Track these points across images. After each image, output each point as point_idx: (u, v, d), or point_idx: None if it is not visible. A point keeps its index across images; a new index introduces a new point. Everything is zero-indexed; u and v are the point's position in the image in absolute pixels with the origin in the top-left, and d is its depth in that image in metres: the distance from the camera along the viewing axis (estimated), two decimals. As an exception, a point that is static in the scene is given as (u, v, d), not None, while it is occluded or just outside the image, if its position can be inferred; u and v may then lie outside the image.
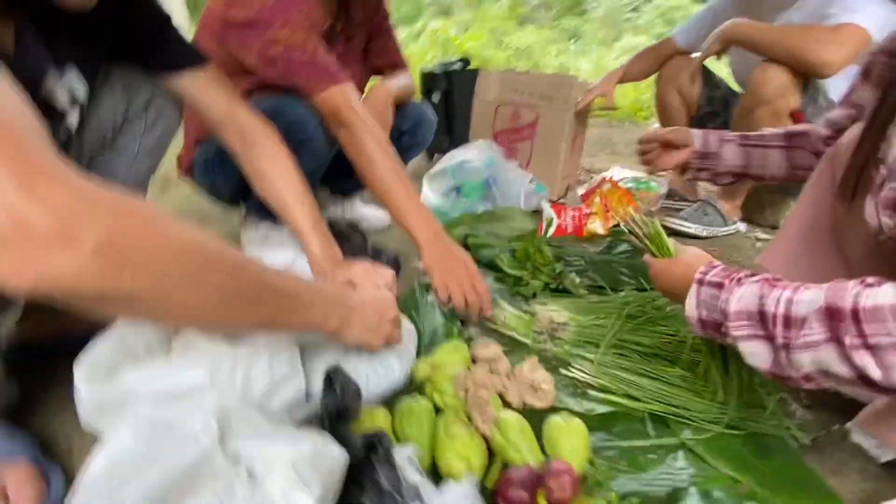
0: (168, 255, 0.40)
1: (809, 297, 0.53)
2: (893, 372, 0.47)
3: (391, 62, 1.31)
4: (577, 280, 1.13)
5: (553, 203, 1.63)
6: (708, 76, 1.64)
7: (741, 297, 0.59)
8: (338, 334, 0.62)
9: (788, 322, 0.54)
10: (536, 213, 1.60)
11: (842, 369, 0.50)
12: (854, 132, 0.77)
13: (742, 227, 1.65)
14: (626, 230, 0.85)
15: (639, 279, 1.17)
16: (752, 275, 0.62)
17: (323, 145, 1.07)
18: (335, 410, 0.58)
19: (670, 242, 0.79)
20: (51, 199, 0.34)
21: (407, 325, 0.84)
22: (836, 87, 1.33)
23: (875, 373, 0.48)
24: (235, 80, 1.07)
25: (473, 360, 0.83)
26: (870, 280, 0.51)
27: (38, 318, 0.83)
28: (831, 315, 0.50)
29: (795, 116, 1.32)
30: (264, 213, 1.23)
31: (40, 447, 0.64)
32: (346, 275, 0.84)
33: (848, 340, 0.49)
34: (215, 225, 1.61)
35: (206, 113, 0.83)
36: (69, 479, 0.62)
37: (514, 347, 0.90)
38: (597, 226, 1.43)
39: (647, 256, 0.81)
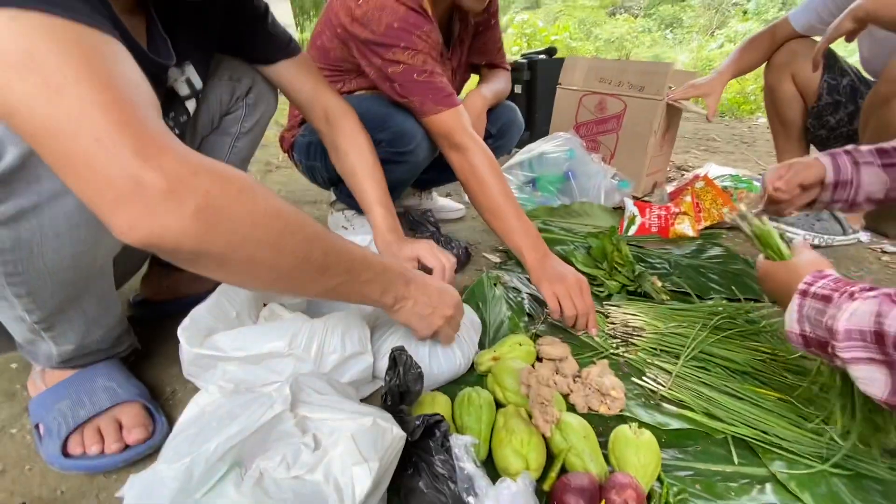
0: (254, 221, 0.44)
1: None
2: None
3: (492, 60, 1.30)
4: (659, 284, 1.04)
5: (637, 200, 1.53)
6: (832, 60, 1.43)
7: (853, 314, 0.52)
8: (392, 309, 0.65)
9: None
10: (618, 210, 1.50)
11: None
12: None
13: (864, 236, 1.42)
14: (736, 224, 0.78)
15: (731, 288, 1.06)
16: (871, 289, 0.53)
17: (424, 159, 1.10)
18: (397, 390, 0.58)
19: (782, 244, 0.71)
20: (162, 164, 0.38)
21: (472, 315, 0.83)
22: None
23: None
24: (350, 77, 1.13)
25: (539, 358, 0.80)
26: None
27: (157, 281, 0.94)
28: None
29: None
30: (351, 200, 1.29)
31: (150, 392, 0.72)
32: (410, 248, 0.87)
33: None
34: (306, 209, 1.72)
35: (295, 95, 0.89)
36: (171, 421, 0.69)
37: (583, 348, 0.86)
38: (685, 227, 1.31)
39: (759, 257, 0.74)
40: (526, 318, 0.92)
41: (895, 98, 1.13)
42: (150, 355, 0.84)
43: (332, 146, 0.94)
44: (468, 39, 1.22)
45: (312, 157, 1.18)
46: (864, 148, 0.83)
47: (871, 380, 0.51)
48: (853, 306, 0.52)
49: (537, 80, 2.27)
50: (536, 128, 2.32)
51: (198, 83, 0.77)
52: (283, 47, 0.85)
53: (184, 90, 0.75)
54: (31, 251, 0.52)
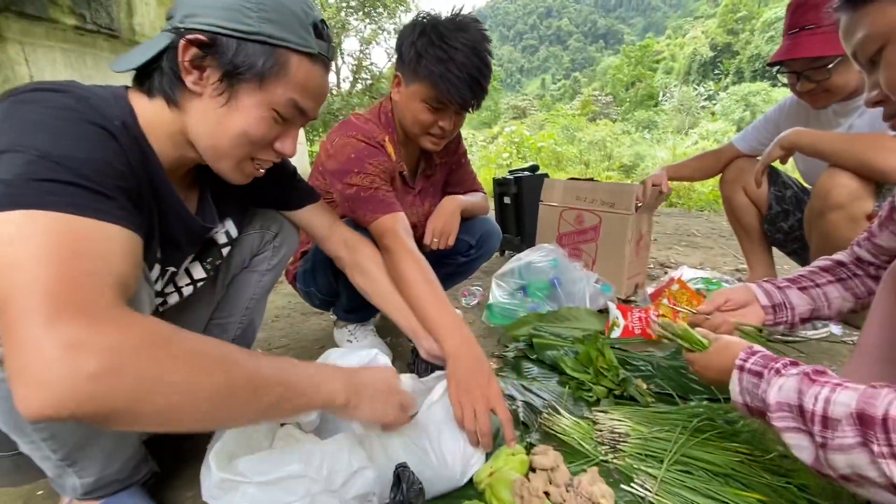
0: (161, 369, 0.45)
1: (845, 399, 0.54)
2: None
3: (468, 189, 1.53)
4: (644, 387, 1.12)
5: (620, 303, 1.65)
6: (775, 176, 1.65)
7: (781, 388, 0.61)
8: (347, 409, 0.69)
9: (826, 422, 0.55)
10: (603, 312, 1.62)
11: (873, 474, 0.51)
12: None
13: (836, 329, 1.52)
14: (660, 336, 0.89)
15: (711, 388, 1.13)
16: (793, 363, 0.64)
17: None
18: (401, 507, 0.65)
19: (701, 336, 0.83)
20: (67, 326, 0.41)
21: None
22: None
23: None
24: (333, 207, 1.34)
25: (532, 468, 0.86)
26: None
27: None
28: (862, 420, 0.52)
29: (872, 218, 1.27)
30: (349, 316, 1.44)
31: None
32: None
33: (876, 448, 0.50)
34: (313, 319, 1.84)
35: (316, 231, 1.07)
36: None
37: (574, 455, 0.92)
38: (665, 328, 1.42)
39: (685, 354, 0.84)
40: (521, 429, 0.99)
41: (828, 212, 1.31)
42: (167, 477, 0.90)
43: (354, 268, 1.07)
44: (439, 173, 1.44)
45: (308, 283, 1.36)
46: (776, 279, 0.99)
47: (799, 447, 0.59)
48: (780, 382, 0.62)
49: (523, 193, 2.54)
50: (526, 233, 2.53)
51: (234, 233, 0.94)
52: (306, 196, 1.04)
53: (221, 240, 0.92)
54: None
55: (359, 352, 1.03)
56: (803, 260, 1.65)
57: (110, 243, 0.50)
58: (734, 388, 0.70)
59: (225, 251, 0.93)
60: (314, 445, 0.75)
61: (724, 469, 0.85)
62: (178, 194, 0.73)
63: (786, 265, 1.98)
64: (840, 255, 0.97)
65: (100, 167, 0.53)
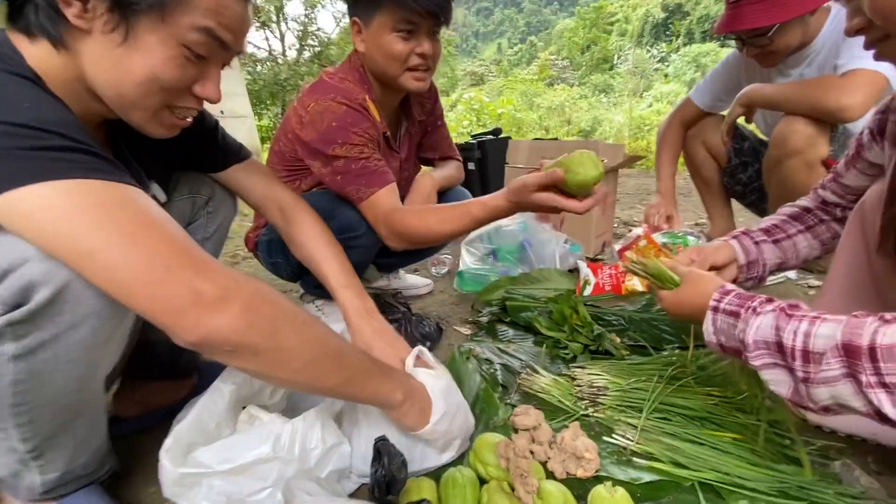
0: (281, 316, 0.57)
1: (827, 332, 0.54)
2: None
3: (443, 155, 1.44)
4: (618, 340, 1.13)
5: (590, 262, 1.66)
6: (734, 129, 1.67)
7: (759, 328, 0.61)
8: (400, 410, 0.70)
9: (807, 356, 0.55)
10: (574, 272, 1.62)
11: (858, 404, 0.52)
12: (877, 188, 0.78)
13: (792, 274, 1.59)
14: (630, 271, 0.86)
15: (681, 337, 1.16)
16: (768, 300, 0.63)
17: (374, 242, 1.16)
18: (384, 481, 0.62)
19: (674, 275, 0.80)
20: (212, 278, 0.52)
21: (470, 418, 0.84)
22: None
23: (890, 411, 0.49)
24: (305, 176, 1.23)
25: (514, 429, 0.85)
26: (888, 316, 0.52)
27: (129, 395, 0.94)
28: (848, 352, 0.52)
29: (829, 164, 1.32)
30: (319, 290, 1.35)
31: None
32: (382, 328, 0.90)
33: (864, 378, 0.50)
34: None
35: (249, 196, 0.96)
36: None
37: (555, 412, 0.91)
38: (635, 283, 1.43)
39: (656, 291, 0.82)
40: (500, 389, 0.98)
41: (785, 159, 1.34)
42: (126, 474, 0.83)
43: (289, 239, 0.98)
44: (417, 136, 1.36)
45: (275, 254, 1.24)
46: (753, 228, 0.98)
47: (777, 382, 0.60)
48: (757, 321, 0.61)
49: (488, 157, 2.49)
50: (492, 199, 2.50)
51: (162, 197, 0.83)
52: (233, 154, 0.93)
53: None
54: (41, 380, 0.55)
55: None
56: (761, 210, 1.70)
57: (153, 205, 0.54)
58: (708, 328, 0.69)
59: None
60: (283, 424, 0.70)
61: (700, 413, 0.87)
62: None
63: (743, 217, 2.05)
64: (805, 201, 0.97)
65: (73, 125, 0.52)
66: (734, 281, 0.96)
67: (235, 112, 7.35)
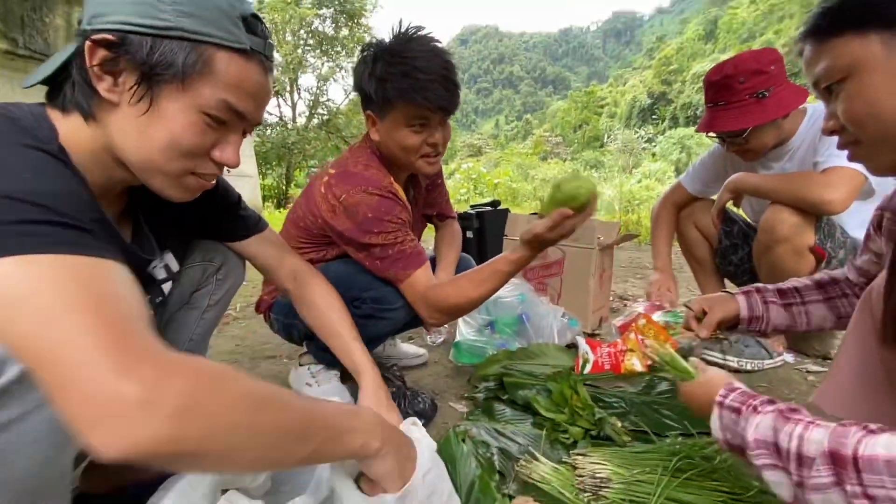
0: (228, 409, 0.47)
1: (818, 438, 0.55)
2: None
3: (441, 211, 1.52)
4: (619, 425, 1.09)
5: (588, 337, 1.64)
6: (723, 212, 1.74)
7: (758, 427, 0.62)
8: (375, 459, 0.65)
9: (801, 461, 0.56)
10: (571, 347, 1.60)
11: None
12: (881, 278, 0.80)
13: (790, 358, 1.58)
14: (649, 356, 0.88)
15: (684, 423, 1.12)
16: (770, 401, 0.64)
17: (405, 316, 1.20)
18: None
19: (689, 364, 0.81)
20: (139, 376, 0.42)
21: (447, 486, 0.81)
22: (851, 221, 1.39)
23: None
24: (326, 248, 1.26)
25: (514, 523, 0.79)
26: (872, 427, 0.53)
27: (102, 471, 0.88)
28: (834, 460, 0.53)
29: (817, 251, 1.36)
30: (323, 355, 1.32)
31: None
32: (390, 405, 0.92)
33: (849, 488, 0.51)
34: (263, 364, 1.70)
35: (263, 262, 0.98)
36: None
37: (555, 505, 0.86)
38: (634, 363, 1.41)
39: (678, 382, 0.83)
40: (497, 477, 0.93)
41: (774, 245, 1.38)
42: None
43: (302, 301, 1.00)
44: (421, 198, 1.42)
45: (294, 315, 1.23)
46: (770, 287, 1.01)
47: (778, 484, 0.59)
48: (757, 420, 0.62)
49: (486, 228, 2.55)
50: (489, 269, 2.53)
51: (175, 267, 0.85)
52: (253, 226, 0.96)
53: (161, 275, 0.82)
54: (2, 461, 0.51)
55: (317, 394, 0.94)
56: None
57: (119, 281, 0.49)
58: (715, 424, 0.70)
59: (166, 287, 0.83)
60: (261, 509, 0.65)
61: (708, 511, 0.82)
62: (110, 220, 0.64)
63: (736, 296, 2.07)
64: (836, 273, 0.99)
65: (67, 198, 0.50)
66: (738, 321, 0.99)
67: (241, 172, 7.60)
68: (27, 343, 0.43)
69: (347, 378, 1.45)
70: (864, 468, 0.50)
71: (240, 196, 0.95)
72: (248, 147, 8.14)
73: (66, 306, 0.43)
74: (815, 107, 1.49)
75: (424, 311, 1.14)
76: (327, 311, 1.00)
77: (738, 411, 0.66)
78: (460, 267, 1.44)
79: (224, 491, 0.75)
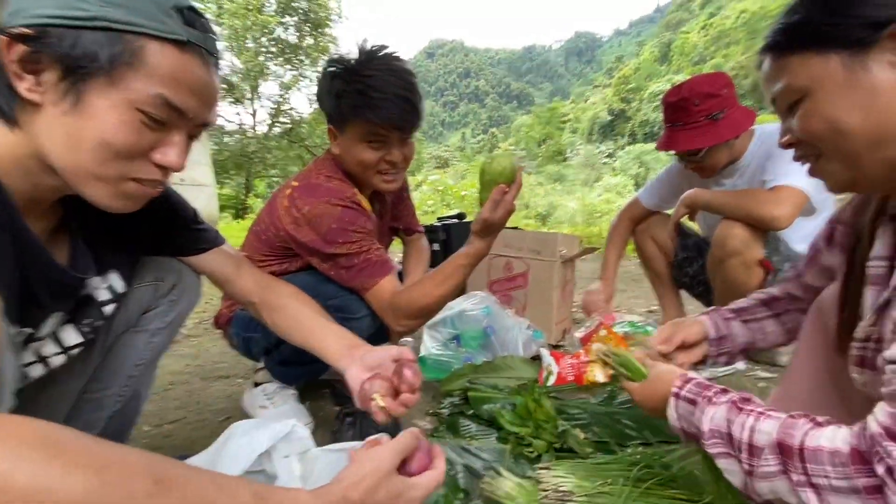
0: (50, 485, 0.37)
1: (767, 429, 0.58)
2: None
3: (408, 225, 1.52)
4: (582, 437, 1.11)
5: (552, 349, 1.66)
6: (679, 227, 1.82)
7: (713, 417, 0.64)
8: None
9: (751, 450, 0.59)
10: (535, 359, 1.62)
11: (793, 500, 0.55)
12: (832, 289, 0.85)
13: (741, 365, 1.66)
14: (601, 361, 0.89)
15: (643, 433, 1.15)
16: (724, 391, 0.67)
17: (368, 325, 1.18)
18: None
19: (641, 364, 0.83)
20: None
21: None
22: (794, 236, 1.48)
23: None
24: (290, 260, 1.22)
25: (478, 543, 0.78)
26: (820, 419, 0.56)
27: None
28: (782, 450, 0.56)
29: (764, 265, 1.44)
30: (282, 371, 1.28)
31: None
32: (370, 356, 0.85)
33: (795, 477, 0.54)
34: (217, 385, 1.62)
35: (220, 276, 0.93)
36: None
37: (520, 522, 0.85)
38: (596, 374, 1.43)
39: (625, 383, 0.84)
40: (461, 496, 0.91)
41: (726, 259, 1.45)
42: None
43: (270, 307, 0.94)
44: (388, 211, 1.42)
45: (252, 328, 1.19)
46: (723, 308, 1.02)
47: (730, 472, 0.62)
48: (712, 410, 0.65)
49: (452, 240, 2.55)
50: (455, 281, 2.53)
51: (120, 288, 0.79)
52: (211, 239, 0.91)
53: (104, 296, 0.76)
54: None
55: (272, 424, 0.89)
56: (708, 302, 1.80)
57: None
58: (671, 414, 0.72)
59: (108, 310, 0.77)
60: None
61: (668, 520, 0.84)
62: (36, 236, 0.59)
63: (692, 305, 2.15)
64: (774, 290, 1.01)
65: None
66: (705, 358, 0.99)
67: (196, 180, 7.30)
68: None
69: (307, 398, 1.41)
70: (809, 459, 0.53)
71: (195, 210, 0.91)
72: (203, 154, 7.78)
73: None
74: (762, 128, 1.59)
75: (391, 318, 1.12)
76: (301, 308, 0.94)
77: (693, 402, 0.68)
78: None
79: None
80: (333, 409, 1.33)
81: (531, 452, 1.06)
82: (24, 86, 0.53)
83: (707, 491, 0.89)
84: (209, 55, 0.61)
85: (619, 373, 0.86)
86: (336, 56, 1.15)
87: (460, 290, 1.49)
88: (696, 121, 1.47)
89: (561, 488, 0.91)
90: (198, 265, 0.91)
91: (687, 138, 1.50)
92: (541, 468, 0.99)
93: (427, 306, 1.11)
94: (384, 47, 1.13)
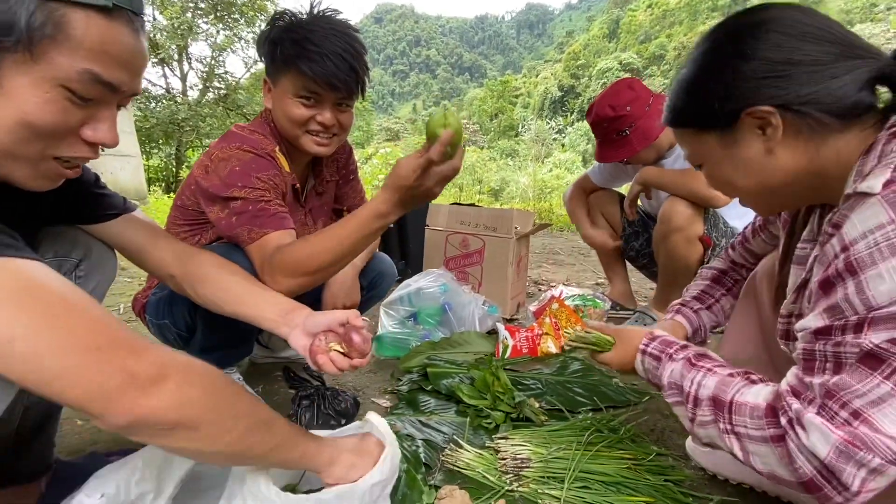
0: (214, 392, 0.55)
1: (709, 384, 0.68)
2: (749, 456, 0.61)
3: (353, 206, 1.41)
4: (537, 406, 1.16)
5: (507, 323, 1.71)
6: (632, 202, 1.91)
7: (672, 372, 0.75)
8: (327, 471, 0.68)
9: (696, 402, 0.69)
10: (492, 333, 1.66)
11: (721, 444, 0.65)
12: (767, 261, 0.93)
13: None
14: (572, 347, 0.93)
15: (593, 399, 1.22)
16: (683, 347, 0.77)
17: None
18: None
19: (606, 337, 0.90)
20: (145, 357, 0.50)
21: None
22: (730, 212, 1.59)
23: (738, 454, 0.62)
24: (206, 230, 1.15)
25: (440, 513, 0.80)
26: (754, 377, 0.66)
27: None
28: (716, 403, 0.65)
29: (705, 241, 1.55)
30: (206, 358, 1.20)
31: None
32: (312, 321, 0.82)
33: (721, 426, 0.64)
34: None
35: (134, 248, 0.85)
36: None
37: (479, 489, 0.89)
38: (549, 345, 1.50)
39: (596, 356, 0.91)
40: (423, 469, 0.93)
41: (670, 234, 1.54)
42: None
43: (192, 279, 0.87)
44: (330, 190, 1.34)
45: (162, 314, 1.11)
46: (688, 298, 1.07)
47: (682, 417, 0.72)
48: (672, 366, 0.75)
49: (406, 217, 2.52)
50: (411, 258, 2.51)
51: None
52: (118, 205, 0.83)
53: None
54: None
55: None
56: (651, 273, 1.92)
57: (63, 281, 0.50)
58: (639, 367, 0.83)
59: None
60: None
61: (616, 478, 0.90)
62: None
63: (634, 277, 2.28)
64: (719, 263, 1.08)
65: None
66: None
67: (120, 151, 6.67)
68: (11, 347, 0.44)
69: (260, 381, 1.37)
70: (735, 411, 0.62)
71: (97, 175, 0.82)
72: (127, 124, 7.01)
73: (43, 314, 0.46)
74: None
75: (268, 273, 0.94)
76: (228, 277, 0.87)
77: (658, 358, 0.78)
78: (375, 266, 1.39)
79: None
80: (289, 392, 1.31)
81: (489, 424, 1.10)
82: None
83: (650, 451, 0.97)
84: (136, 16, 0.55)
85: (593, 351, 0.91)
86: (283, 9, 1.08)
87: (370, 254, 1.36)
88: (609, 139, 1.67)
89: (518, 456, 0.95)
90: (108, 236, 0.83)
91: (606, 153, 1.70)
92: (499, 438, 1.03)
93: (305, 263, 0.92)
94: (337, 12, 1.07)
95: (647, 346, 0.82)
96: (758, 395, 0.62)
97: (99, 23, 0.51)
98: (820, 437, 0.53)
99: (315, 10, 1.06)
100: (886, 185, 0.51)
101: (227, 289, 0.87)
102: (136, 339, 0.50)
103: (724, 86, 0.63)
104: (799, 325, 0.60)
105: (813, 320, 0.57)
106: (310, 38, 1.00)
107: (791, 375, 0.60)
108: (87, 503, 0.61)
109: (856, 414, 0.52)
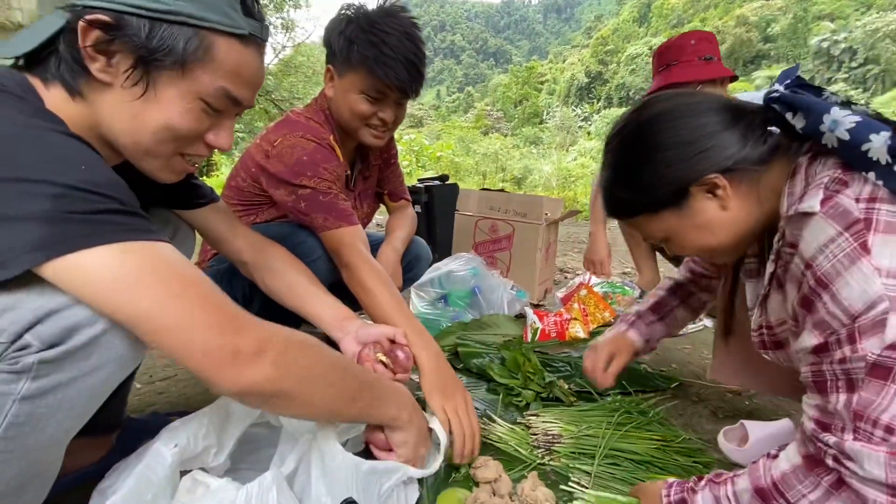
0: (311, 363, 0.62)
1: (744, 486, 0.65)
2: None
3: (393, 190, 1.47)
4: (566, 387, 1.19)
5: (535, 308, 1.74)
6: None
7: (703, 500, 0.69)
8: (401, 429, 0.75)
9: None
10: (519, 317, 1.69)
11: None
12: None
13: (709, 322, 1.78)
14: None
15: (622, 383, 1.24)
16: (699, 479, 0.72)
17: (326, 268, 1.16)
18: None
19: (626, 499, 0.83)
20: (249, 334, 0.55)
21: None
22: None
23: None
24: (263, 209, 1.21)
25: (475, 482, 0.85)
26: (773, 452, 0.65)
27: None
28: (761, 495, 0.63)
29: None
30: None
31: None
32: (364, 332, 0.91)
33: None
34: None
35: (215, 234, 0.95)
36: None
37: (512, 462, 0.93)
38: (578, 330, 1.52)
39: None
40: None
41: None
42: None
43: (263, 268, 0.97)
44: (374, 174, 1.40)
45: (220, 282, 1.18)
46: (643, 310, 1.13)
47: None
48: (698, 497, 0.70)
49: (434, 202, 2.56)
50: (438, 243, 2.55)
51: None
52: (207, 194, 0.92)
53: None
54: (34, 426, 0.50)
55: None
56: (679, 263, 1.90)
57: (185, 261, 0.56)
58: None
59: None
60: (236, 491, 0.65)
61: (645, 456, 0.93)
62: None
63: (664, 266, 2.27)
64: (679, 275, 1.13)
65: (117, 186, 0.52)
66: (636, 354, 1.10)
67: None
68: (149, 322, 0.51)
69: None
70: (783, 488, 0.60)
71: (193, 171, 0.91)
72: None
73: (172, 293, 0.52)
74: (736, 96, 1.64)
75: (345, 260, 1.05)
76: (295, 276, 0.97)
77: (683, 500, 0.72)
78: (412, 249, 1.44)
79: (184, 473, 0.73)
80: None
81: (520, 401, 1.14)
82: (96, 67, 0.56)
83: (678, 434, 0.99)
84: (263, 43, 0.66)
85: None
86: (354, 3, 1.11)
87: (409, 237, 1.43)
88: (689, 59, 1.57)
89: (550, 432, 0.99)
90: (194, 220, 0.92)
91: (681, 72, 1.56)
92: (530, 415, 1.07)
93: (359, 295, 1.03)
94: (404, 9, 1.11)
95: (668, 495, 0.75)
96: (789, 458, 0.61)
97: (237, 48, 0.61)
98: (871, 461, 0.53)
99: (386, 5, 1.10)
100: (823, 202, 0.57)
101: (291, 285, 0.97)
102: (241, 316, 0.56)
103: (660, 175, 0.69)
104: (796, 346, 0.63)
105: (808, 338, 0.60)
106: (386, 41, 1.04)
107: (810, 409, 0.60)
108: (164, 451, 0.68)
109: (889, 429, 0.52)
